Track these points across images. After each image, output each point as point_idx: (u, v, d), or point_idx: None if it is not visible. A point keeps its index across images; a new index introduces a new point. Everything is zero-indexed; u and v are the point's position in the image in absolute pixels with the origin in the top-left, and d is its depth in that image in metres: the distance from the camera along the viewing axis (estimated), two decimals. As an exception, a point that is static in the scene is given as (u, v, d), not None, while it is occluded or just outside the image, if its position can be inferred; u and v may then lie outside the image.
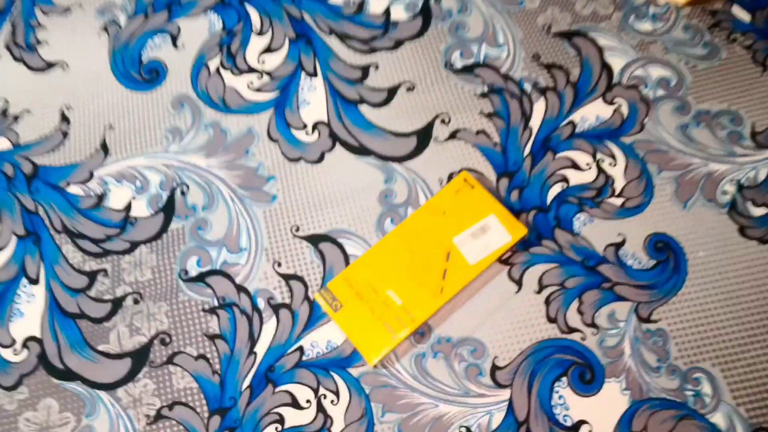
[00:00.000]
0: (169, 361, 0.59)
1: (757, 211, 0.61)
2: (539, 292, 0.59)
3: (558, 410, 0.55)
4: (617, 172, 0.64)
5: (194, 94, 0.71)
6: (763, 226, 0.61)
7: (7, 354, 0.60)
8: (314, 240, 0.63)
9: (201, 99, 0.71)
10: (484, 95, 0.69)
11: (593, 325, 0.58)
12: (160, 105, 0.71)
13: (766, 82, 0.67)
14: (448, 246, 0.59)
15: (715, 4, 0.72)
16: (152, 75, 0.72)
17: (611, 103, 0.67)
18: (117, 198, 0.66)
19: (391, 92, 0.70)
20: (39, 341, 0.60)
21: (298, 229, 0.64)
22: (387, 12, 0.74)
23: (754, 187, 0.62)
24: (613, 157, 0.65)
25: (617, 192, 0.63)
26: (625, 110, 0.67)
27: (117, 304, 0.61)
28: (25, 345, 0.60)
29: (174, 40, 0.74)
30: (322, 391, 0.57)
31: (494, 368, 0.57)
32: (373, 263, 0.58)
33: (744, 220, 0.61)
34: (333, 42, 0.73)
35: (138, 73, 0.73)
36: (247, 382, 0.57)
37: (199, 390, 0.57)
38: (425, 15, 0.74)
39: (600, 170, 0.64)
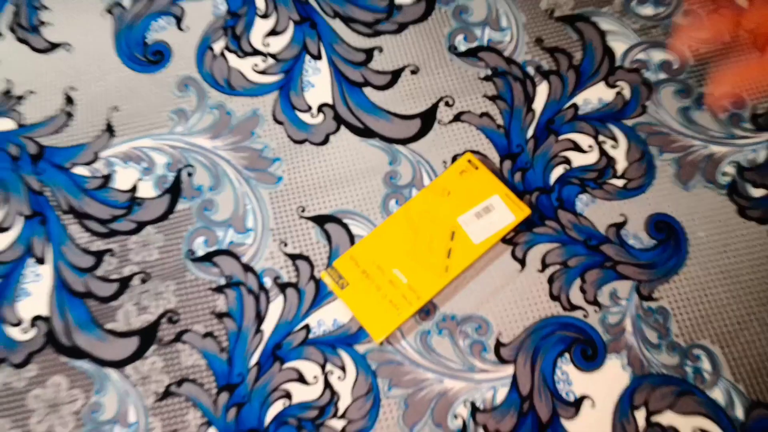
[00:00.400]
0: (177, 339, 0.59)
1: (757, 192, 0.62)
2: (542, 270, 0.60)
3: (561, 385, 0.56)
4: (619, 154, 0.65)
5: (199, 75, 0.71)
6: (762, 206, 0.62)
7: (15, 333, 0.60)
8: (320, 220, 0.64)
9: (206, 81, 0.71)
10: (487, 78, 0.69)
11: (595, 303, 0.59)
12: (165, 86, 0.71)
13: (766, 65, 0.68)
14: (452, 226, 0.59)
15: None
16: (157, 56, 0.72)
17: (613, 86, 0.68)
18: (123, 179, 0.66)
19: (396, 75, 0.70)
20: (47, 320, 0.60)
21: (303, 210, 0.64)
22: (391, -5, 0.75)
23: (753, 168, 0.63)
24: (615, 139, 0.65)
25: (619, 173, 0.64)
26: (627, 93, 0.67)
27: (124, 283, 0.62)
28: (33, 323, 0.60)
29: (178, 22, 0.74)
30: (329, 367, 0.57)
31: (498, 345, 0.58)
32: (378, 242, 0.59)
33: (743, 201, 0.62)
34: (337, 25, 0.73)
35: (143, 54, 0.73)
36: (255, 359, 0.58)
37: (207, 367, 0.58)
38: (429, -2, 0.74)
39: (602, 152, 0.65)
